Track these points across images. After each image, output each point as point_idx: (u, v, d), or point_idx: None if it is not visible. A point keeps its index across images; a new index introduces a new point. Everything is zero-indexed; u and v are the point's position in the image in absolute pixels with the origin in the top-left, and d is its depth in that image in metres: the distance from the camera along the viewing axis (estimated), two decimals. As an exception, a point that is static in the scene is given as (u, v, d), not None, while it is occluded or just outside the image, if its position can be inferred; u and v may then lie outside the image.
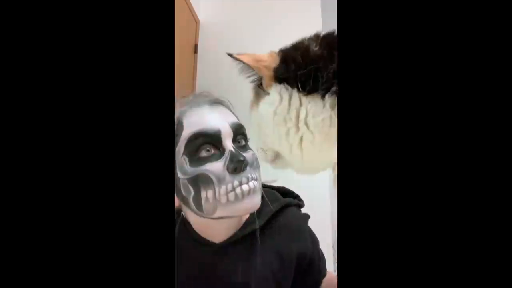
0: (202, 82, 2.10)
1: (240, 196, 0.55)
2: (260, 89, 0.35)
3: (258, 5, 2.20)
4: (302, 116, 0.31)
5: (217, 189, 0.54)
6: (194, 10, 2.14)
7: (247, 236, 0.63)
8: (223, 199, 0.55)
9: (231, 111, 0.63)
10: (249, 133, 0.60)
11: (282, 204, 0.68)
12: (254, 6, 2.21)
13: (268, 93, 0.34)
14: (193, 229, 0.65)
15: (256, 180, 0.57)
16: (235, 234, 0.63)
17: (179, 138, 0.57)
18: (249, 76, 0.36)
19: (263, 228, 0.64)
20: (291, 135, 0.33)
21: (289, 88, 0.31)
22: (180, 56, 1.85)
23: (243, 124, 0.61)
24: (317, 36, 0.35)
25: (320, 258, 0.70)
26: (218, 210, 0.56)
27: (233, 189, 0.54)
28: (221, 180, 0.54)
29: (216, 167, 0.55)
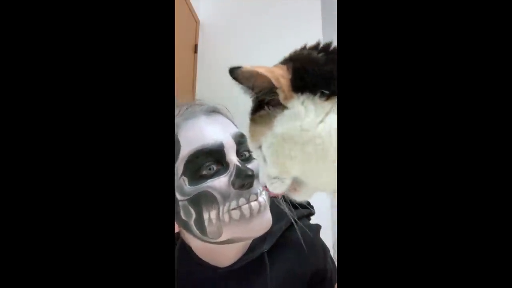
0: (202, 82, 2.10)
1: (248, 215, 0.49)
2: (269, 107, 0.31)
3: (258, 5, 2.20)
4: (327, 129, 0.28)
5: (221, 207, 0.48)
6: (194, 10, 2.14)
7: (255, 260, 0.56)
8: (226, 218, 0.49)
9: (229, 119, 0.56)
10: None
11: (291, 219, 0.58)
12: (254, 6, 2.21)
13: (287, 107, 0.30)
14: (195, 254, 0.57)
15: (263, 193, 0.51)
16: (241, 259, 0.56)
17: (185, 152, 0.49)
18: (258, 92, 0.32)
19: (272, 248, 0.57)
20: (319, 153, 0.29)
21: (312, 95, 0.29)
22: (180, 56, 1.85)
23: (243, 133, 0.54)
24: (316, 45, 0.34)
25: (332, 269, 0.63)
26: (224, 232, 0.49)
27: (239, 206, 0.49)
28: (225, 197, 0.48)
29: (220, 183, 0.48)
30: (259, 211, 0.50)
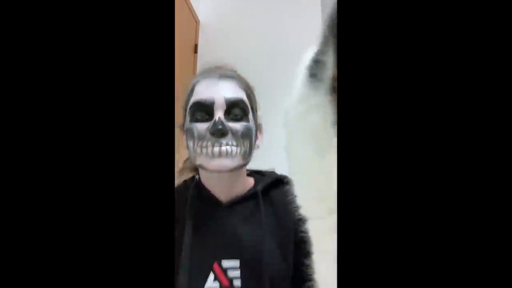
0: (202, 82, 2.10)
1: (210, 154, 0.69)
2: None
3: (258, 5, 2.20)
4: None
5: (196, 142, 0.70)
6: (194, 10, 2.14)
7: (250, 197, 0.76)
8: (198, 150, 0.70)
9: (238, 86, 0.74)
10: None
11: (275, 176, 0.80)
12: (254, 6, 2.21)
13: None
14: (204, 186, 0.77)
15: (234, 146, 0.70)
16: (239, 196, 0.75)
17: (190, 100, 0.73)
18: None
19: (265, 193, 0.76)
20: None
21: None
22: (180, 56, 1.85)
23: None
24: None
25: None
26: (197, 159, 0.72)
27: (207, 146, 0.69)
28: (200, 138, 0.70)
29: (200, 127, 0.71)
30: (219, 155, 0.69)
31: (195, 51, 2.21)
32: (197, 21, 2.21)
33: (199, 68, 0.81)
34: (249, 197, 0.76)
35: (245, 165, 0.75)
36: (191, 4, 2.08)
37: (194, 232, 0.71)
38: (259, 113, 0.79)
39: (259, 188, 0.77)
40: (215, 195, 0.76)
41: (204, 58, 2.19)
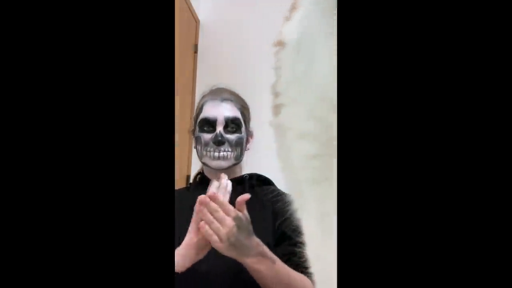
0: (202, 82, 2.10)
1: (212, 157, 0.95)
2: None
3: (258, 5, 2.20)
4: None
5: (202, 147, 0.96)
6: (194, 10, 2.14)
7: (238, 179, 0.99)
8: (204, 153, 0.96)
9: (235, 107, 0.98)
10: None
11: (252, 173, 1.03)
12: (254, 6, 2.20)
13: None
14: (206, 176, 1.01)
15: (229, 152, 0.95)
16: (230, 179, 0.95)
17: (200, 116, 0.97)
18: None
19: (252, 181, 1.00)
20: None
21: None
22: (180, 56, 1.85)
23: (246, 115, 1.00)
24: None
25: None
26: (203, 158, 0.97)
27: (209, 151, 0.95)
28: (206, 144, 0.95)
29: (206, 137, 0.95)
30: (218, 158, 0.94)
31: (195, 51, 2.21)
32: (197, 21, 2.21)
33: (207, 88, 1.04)
34: (237, 181, 0.98)
35: (237, 164, 1.00)
36: (191, 4, 2.08)
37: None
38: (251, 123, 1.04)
39: (246, 175, 1.03)
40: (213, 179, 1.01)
41: (204, 58, 2.20)
